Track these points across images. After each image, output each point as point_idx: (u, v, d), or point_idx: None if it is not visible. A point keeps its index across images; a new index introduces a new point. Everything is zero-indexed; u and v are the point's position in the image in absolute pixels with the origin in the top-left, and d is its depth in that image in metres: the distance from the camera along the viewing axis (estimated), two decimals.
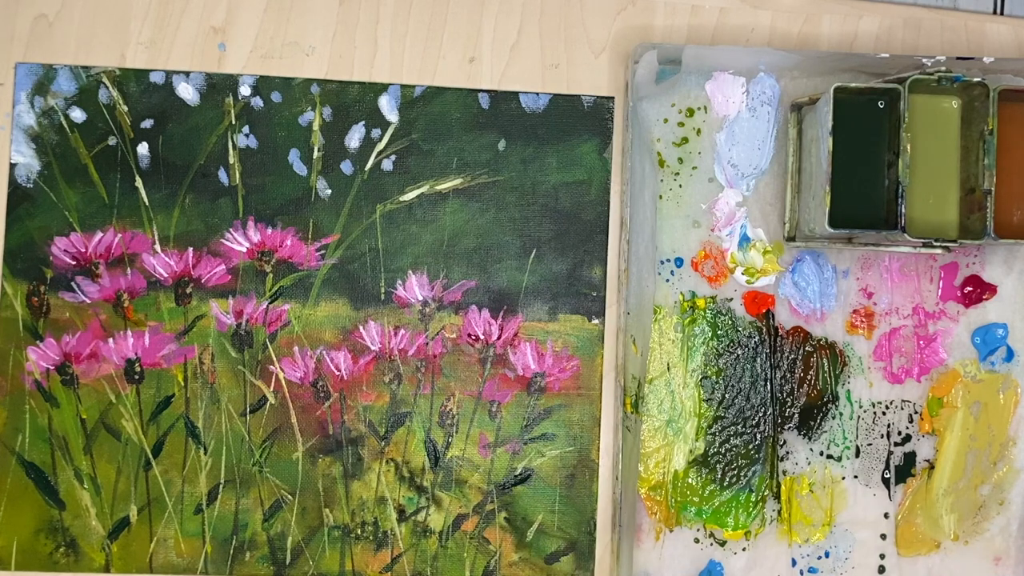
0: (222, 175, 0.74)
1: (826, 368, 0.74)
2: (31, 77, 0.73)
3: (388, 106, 0.75)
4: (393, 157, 0.74)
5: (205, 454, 0.73)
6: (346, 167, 0.74)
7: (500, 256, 0.75)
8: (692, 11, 0.76)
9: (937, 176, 0.70)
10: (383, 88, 0.75)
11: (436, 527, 0.74)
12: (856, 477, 0.74)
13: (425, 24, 0.75)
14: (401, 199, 0.74)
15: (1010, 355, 0.74)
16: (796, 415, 0.73)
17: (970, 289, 0.74)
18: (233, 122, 0.74)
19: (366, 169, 0.74)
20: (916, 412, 0.74)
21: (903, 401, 0.74)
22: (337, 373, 0.74)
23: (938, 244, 0.68)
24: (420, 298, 0.74)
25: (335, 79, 0.74)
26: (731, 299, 0.73)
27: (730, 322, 0.73)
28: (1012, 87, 0.67)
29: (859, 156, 0.69)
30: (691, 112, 0.73)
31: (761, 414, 0.73)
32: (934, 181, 0.69)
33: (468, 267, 0.74)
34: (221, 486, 0.73)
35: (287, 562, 0.73)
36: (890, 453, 0.74)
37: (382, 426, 0.74)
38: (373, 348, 0.74)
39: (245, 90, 0.74)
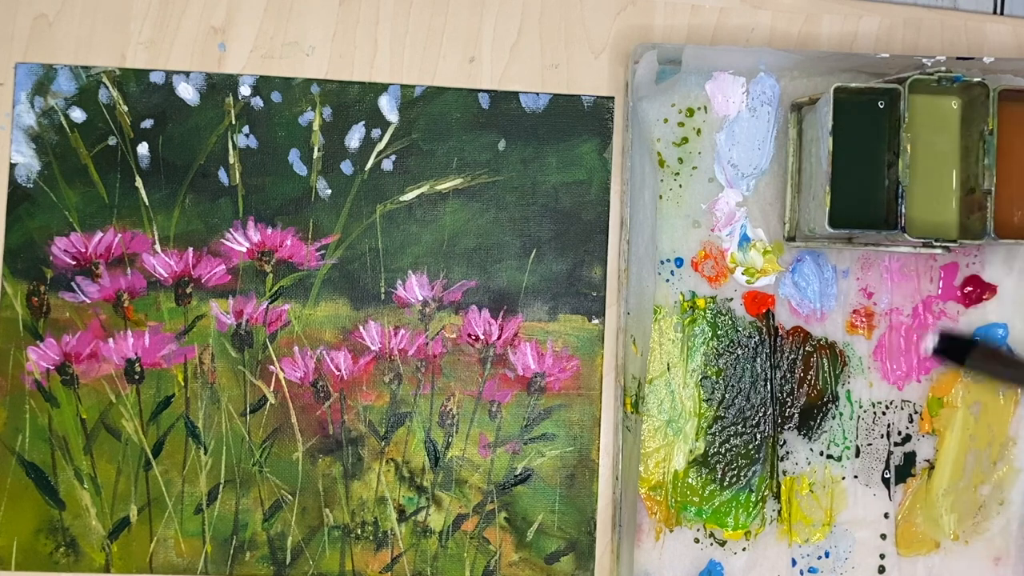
0: (222, 175, 0.74)
1: (826, 368, 0.74)
2: (31, 77, 0.73)
3: (388, 106, 0.75)
4: (393, 157, 0.74)
5: (205, 454, 0.73)
6: (346, 167, 0.74)
7: (500, 256, 0.74)
8: (692, 11, 0.76)
9: (937, 176, 0.70)
10: (383, 88, 0.75)
11: (436, 527, 0.74)
12: (856, 477, 0.74)
13: (425, 24, 0.75)
14: (401, 199, 0.74)
15: None
16: (796, 415, 0.73)
17: (970, 289, 0.74)
18: (233, 122, 0.74)
19: (366, 169, 0.74)
20: (916, 412, 0.74)
21: (903, 401, 0.74)
22: (337, 373, 0.74)
23: (938, 244, 0.68)
24: (420, 298, 0.74)
25: (335, 79, 0.74)
26: (731, 299, 0.73)
27: (730, 322, 0.73)
28: (1012, 87, 0.67)
29: (859, 156, 0.69)
30: (691, 112, 0.73)
31: (761, 414, 0.73)
32: (934, 181, 0.69)
33: (468, 267, 0.74)
34: (221, 486, 0.73)
35: (287, 562, 0.73)
36: (890, 453, 0.74)
37: (382, 426, 0.74)
38: (373, 348, 0.74)
39: (245, 90, 0.74)
